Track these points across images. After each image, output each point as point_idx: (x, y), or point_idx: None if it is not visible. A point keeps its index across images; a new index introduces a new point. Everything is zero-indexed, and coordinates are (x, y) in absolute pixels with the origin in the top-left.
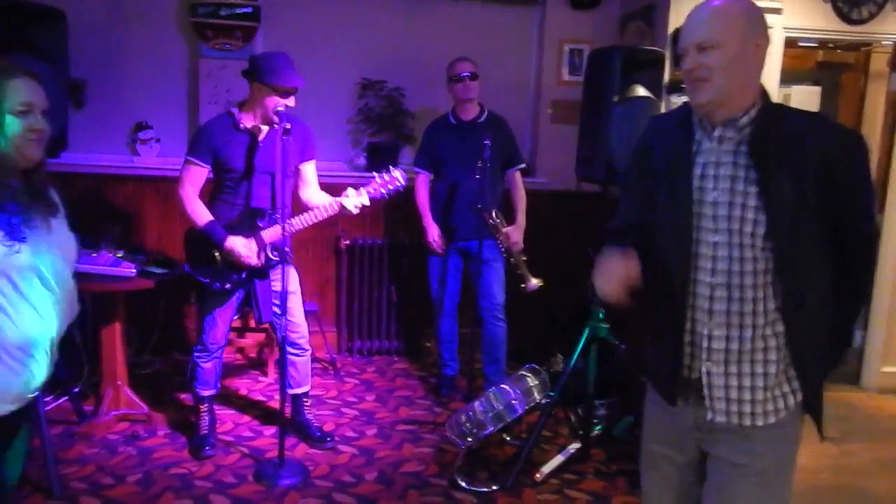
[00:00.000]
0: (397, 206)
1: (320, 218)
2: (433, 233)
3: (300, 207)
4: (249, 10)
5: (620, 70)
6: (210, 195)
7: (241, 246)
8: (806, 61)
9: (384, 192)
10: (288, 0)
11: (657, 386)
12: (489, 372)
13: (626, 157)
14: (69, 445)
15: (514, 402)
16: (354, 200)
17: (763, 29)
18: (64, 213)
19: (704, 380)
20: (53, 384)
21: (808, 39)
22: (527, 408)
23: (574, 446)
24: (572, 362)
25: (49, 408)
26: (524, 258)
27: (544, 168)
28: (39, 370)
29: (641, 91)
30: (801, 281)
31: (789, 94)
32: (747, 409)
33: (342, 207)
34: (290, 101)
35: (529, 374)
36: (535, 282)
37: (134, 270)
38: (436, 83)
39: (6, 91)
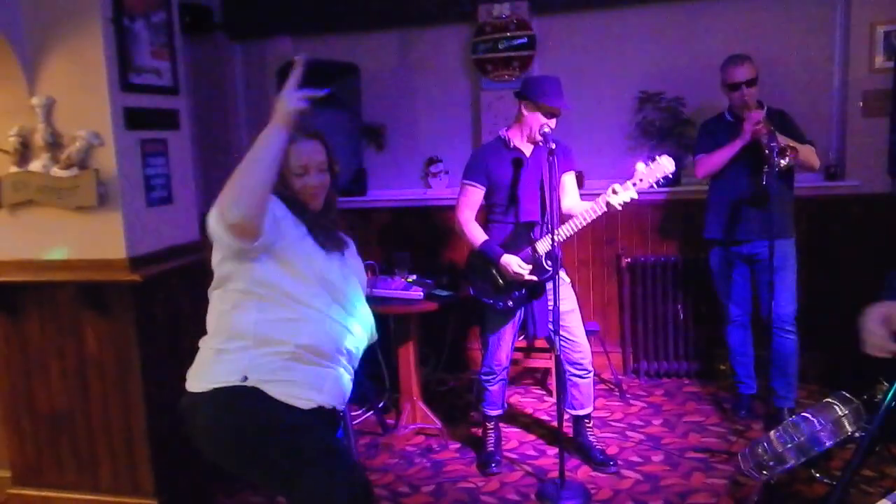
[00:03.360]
0: (680, 219)
1: (589, 220)
2: None
3: (564, 217)
4: (525, 40)
5: None
6: (484, 216)
7: (515, 263)
8: None
9: (651, 181)
10: (561, 25)
11: None
12: (777, 385)
13: None
14: (374, 455)
15: (819, 433)
16: (621, 197)
17: None
18: (354, 248)
19: None
20: (361, 399)
21: None
22: (836, 441)
23: None
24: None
25: (358, 421)
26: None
27: (855, 169)
28: (345, 375)
29: None
30: None
31: None
32: None
33: (608, 205)
34: (552, 122)
35: (837, 402)
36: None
37: (422, 293)
38: (719, 87)
39: (289, 155)
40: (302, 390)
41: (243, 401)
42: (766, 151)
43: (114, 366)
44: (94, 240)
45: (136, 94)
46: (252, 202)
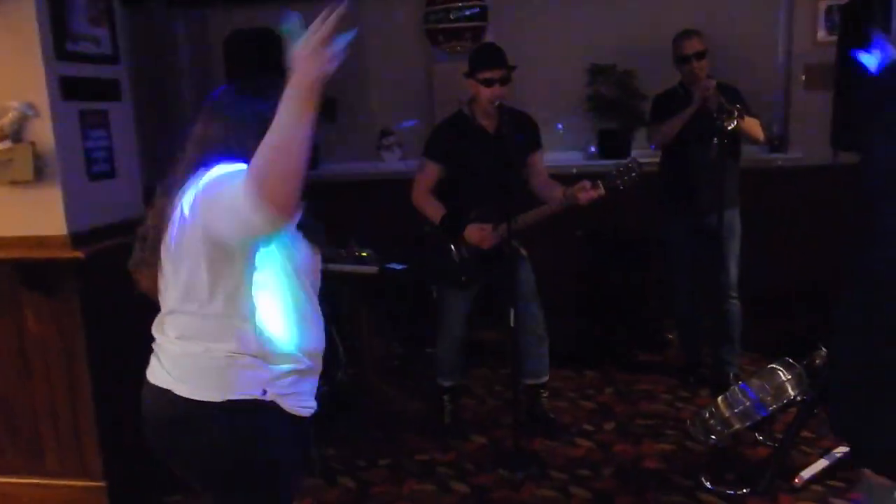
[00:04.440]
0: (631, 191)
1: (554, 211)
2: None
3: (531, 199)
4: (477, 10)
5: (884, 19)
6: (444, 193)
7: (477, 231)
8: None
9: (619, 183)
10: None
11: None
12: (723, 352)
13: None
14: (329, 430)
15: (763, 398)
16: (589, 193)
17: None
18: None
19: None
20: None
21: None
22: (779, 405)
23: (842, 450)
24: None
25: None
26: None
27: (798, 141)
28: None
29: None
30: None
31: None
32: None
33: (576, 200)
34: (499, 90)
35: (781, 368)
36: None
37: (376, 268)
38: (670, 61)
39: None
40: (307, 399)
41: (263, 416)
42: (715, 115)
43: (57, 347)
44: (32, 216)
45: (73, 63)
46: (295, 185)
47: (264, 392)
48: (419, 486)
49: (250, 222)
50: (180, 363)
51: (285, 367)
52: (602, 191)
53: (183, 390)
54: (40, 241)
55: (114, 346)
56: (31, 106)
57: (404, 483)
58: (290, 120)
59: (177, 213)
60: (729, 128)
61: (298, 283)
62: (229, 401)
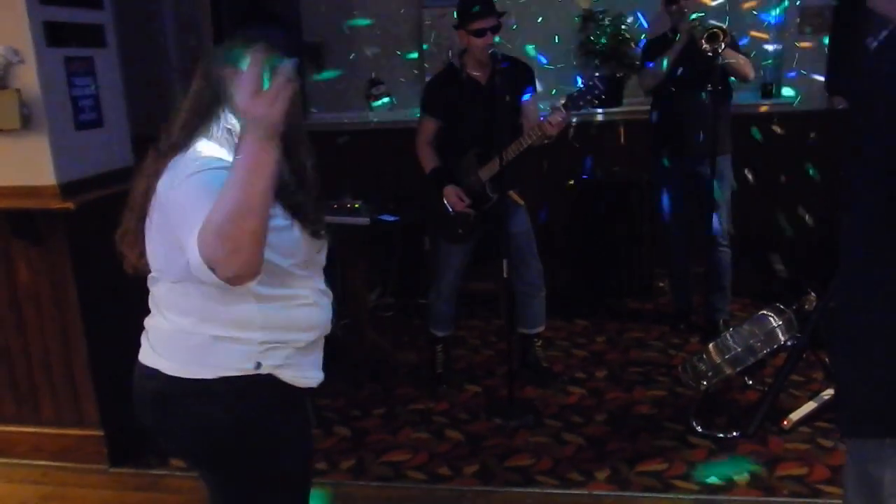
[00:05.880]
0: (623, 139)
1: (528, 142)
2: None
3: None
4: None
5: None
6: (440, 142)
7: (452, 195)
8: None
9: (582, 103)
10: None
11: None
12: (713, 299)
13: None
14: (323, 381)
15: (754, 343)
16: (555, 118)
17: None
18: None
19: None
20: None
21: None
22: (769, 350)
23: (829, 393)
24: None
25: None
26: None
27: (791, 86)
28: None
29: None
30: None
31: None
32: None
33: (545, 130)
34: (490, 39)
35: (772, 314)
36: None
37: (368, 219)
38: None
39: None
40: (309, 371)
41: (259, 390)
42: (704, 45)
43: (50, 297)
44: (21, 165)
45: (57, 7)
46: (254, 249)
47: (258, 365)
48: (414, 434)
49: (204, 276)
50: (165, 339)
51: (278, 341)
52: (564, 113)
53: (169, 368)
54: (30, 191)
55: (106, 295)
56: (15, 51)
57: (399, 431)
58: (248, 173)
59: (165, 179)
60: (719, 51)
61: (294, 267)
62: (222, 378)
